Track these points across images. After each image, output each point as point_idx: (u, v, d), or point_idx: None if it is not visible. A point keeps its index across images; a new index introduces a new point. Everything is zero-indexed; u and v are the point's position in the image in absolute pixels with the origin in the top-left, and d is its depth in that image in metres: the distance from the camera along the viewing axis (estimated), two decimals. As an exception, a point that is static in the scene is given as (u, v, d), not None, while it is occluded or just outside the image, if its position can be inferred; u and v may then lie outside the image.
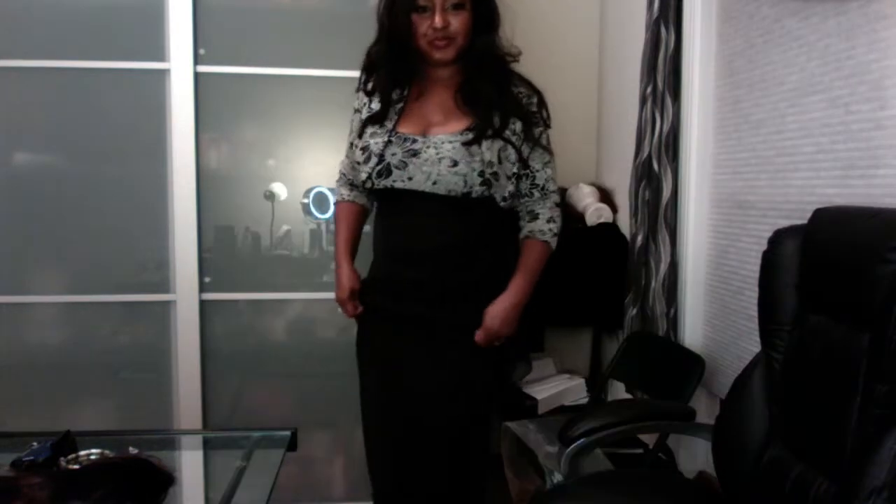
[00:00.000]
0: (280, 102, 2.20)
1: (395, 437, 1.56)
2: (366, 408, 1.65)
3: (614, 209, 2.53)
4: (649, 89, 2.07)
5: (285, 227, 2.24)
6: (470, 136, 1.46)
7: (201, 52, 2.11)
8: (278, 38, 2.18)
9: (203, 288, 2.18)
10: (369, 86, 1.57)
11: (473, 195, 1.46)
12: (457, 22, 1.45)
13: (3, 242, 2.14)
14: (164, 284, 2.17)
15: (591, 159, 2.81)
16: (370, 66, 1.57)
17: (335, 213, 1.73)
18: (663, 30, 2.02)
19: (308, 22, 2.21)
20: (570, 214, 2.58)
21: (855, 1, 1.35)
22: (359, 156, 1.53)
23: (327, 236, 2.25)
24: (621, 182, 2.37)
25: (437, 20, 1.42)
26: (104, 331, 2.21)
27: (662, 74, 2.03)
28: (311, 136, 2.24)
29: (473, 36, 1.49)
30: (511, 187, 1.52)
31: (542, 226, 1.58)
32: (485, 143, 1.46)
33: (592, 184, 2.63)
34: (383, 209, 1.60)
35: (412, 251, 1.51)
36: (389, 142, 1.49)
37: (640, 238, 2.15)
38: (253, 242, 2.24)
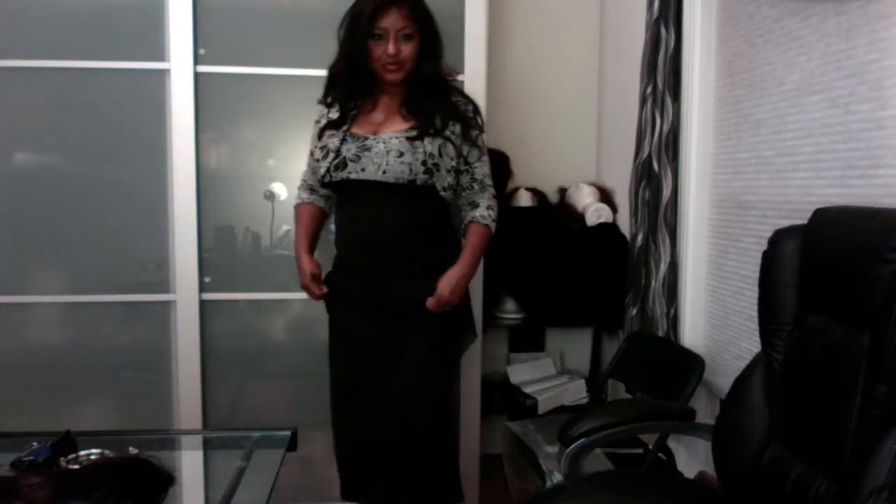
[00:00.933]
0: (280, 102, 2.20)
1: (366, 393, 1.75)
2: (335, 386, 1.84)
3: (614, 209, 2.54)
4: (649, 89, 2.07)
5: (285, 227, 2.24)
6: (414, 132, 1.70)
7: (201, 52, 2.12)
8: (278, 38, 2.18)
9: (203, 288, 2.18)
10: (328, 99, 1.79)
11: (418, 182, 1.67)
12: (407, 49, 1.67)
13: (3, 242, 2.14)
14: (164, 284, 2.18)
15: (591, 159, 2.82)
16: (331, 83, 1.78)
17: (295, 214, 1.90)
18: (663, 30, 2.02)
19: (308, 22, 2.20)
20: (570, 214, 2.59)
21: (855, 1, 1.35)
22: (318, 154, 1.75)
23: (327, 236, 2.25)
24: (621, 182, 2.37)
25: (391, 48, 1.65)
26: (104, 331, 2.21)
27: (662, 74, 2.03)
28: (310, 136, 2.24)
29: (419, 61, 1.70)
30: (450, 179, 1.74)
31: (483, 212, 1.79)
32: (426, 139, 1.69)
33: (592, 184, 2.63)
34: (341, 202, 1.80)
35: (369, 234, 1.72)
36: (344, 140, 1.72)
37: (640, 238, 2.15)
38: (253, 242, 2.24)
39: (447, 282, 1.70)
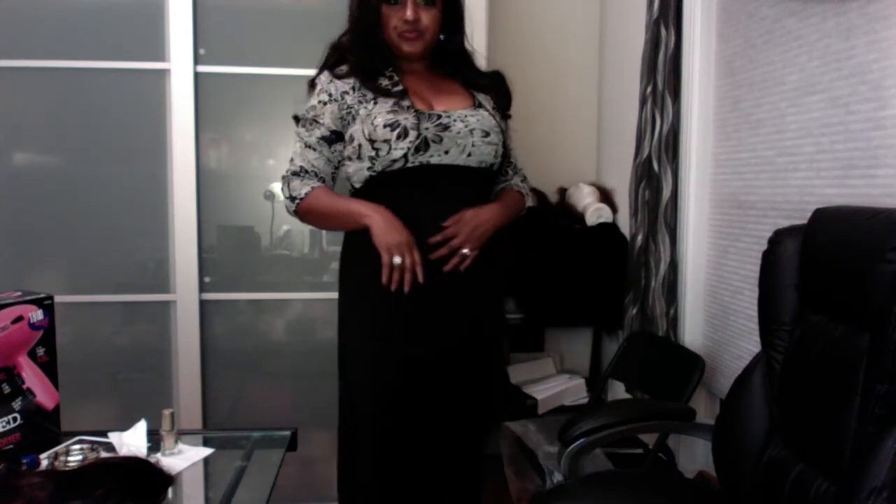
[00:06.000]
0: (280, 102, 2.20)
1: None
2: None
3: (614, 209, 2.54)
4: (649, 89, 2.07)
5: (285, 227, 2.24)
6: (483, 111, 1.51)
7: (201, 52, 2.12)
8: (278, 38, 2.18)
9: (203, 288, 2.18)
10: (341, 70, 1.51)
11: (494, 167, 1.52)
12: (427, 17, 1.47)
13: (4, 242, 2.14)
14: (164, 284, 2.17)
15: (591, 159, 2.82)
16: (338, 54, 1.54)
17: (311, 201, 1.50)
18: (663, 30, 2.02)
19: (308, 22, 2.20)
20: (570, 214, 2.59)
21: (855, 1, 1.35)
22: (385, 133, 1.42)
23: (327, 236, 2.25)
24: (621, 182, 2.37)
25: (409, 13, 1.44)
26: (104, 331, 2.21)
27: (662, 74, 2.03)
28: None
29: (443, 33, 1.52)
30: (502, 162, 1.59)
31: (518, 182, 1.64)
32: (496, 117, 1.52)
33: (592, 184, 2.63)
34: (401, 193, 1.46)
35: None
36: (418, 117, 1.44)
37: (640, 238, 2.15)
38: (253, 242, 2.24)
39: (472, 213, 1.45)
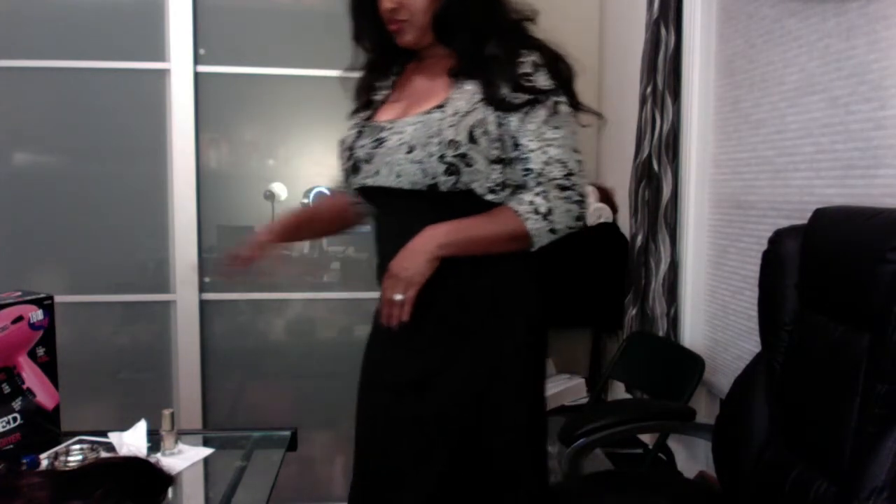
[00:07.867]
0: (280, 102, 2.20)
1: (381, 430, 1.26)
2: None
3: (614, 209, 2.54)
4: (649, 89, 2.07)
5: (285, 227, 2.24)
6: (434, 115, 1.15)
7: (201, 52, 2.12)
8: (278, 38, 2.19)
9: (203, 288, 2.18)
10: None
11: (442, 188, 1.13)
12: None
13: (4, 242, 2.14)
14: (164, 284, 2.18)
15: (591, 159, 2.81)
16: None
17: None
18: (663, 30, 2.02)
19: (308, 22, 2.21)
20: (570, 214, 2.59)
21: (855, 1, 1.35)
22: (339, 154, 1.30)
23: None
24: (621, 182, 2.37)
25: (385, 1, 1.18)
26: (104, 331, 2.21)
27: (662, 74, 2.03)
28: (310, 136, 2.25)
29: (447, 8, 1.17)
30: (496, 175, 1.15)
31: (528, 198, 1.16)
32: (448, 119, 1.13)
33: (592, 184, 2.63)
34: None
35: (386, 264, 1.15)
36: (360, 133, 1.23)
37: (640, 238, 2.15)
38: (253, 242, 2.24)
39: (401, 253, 1.12)
